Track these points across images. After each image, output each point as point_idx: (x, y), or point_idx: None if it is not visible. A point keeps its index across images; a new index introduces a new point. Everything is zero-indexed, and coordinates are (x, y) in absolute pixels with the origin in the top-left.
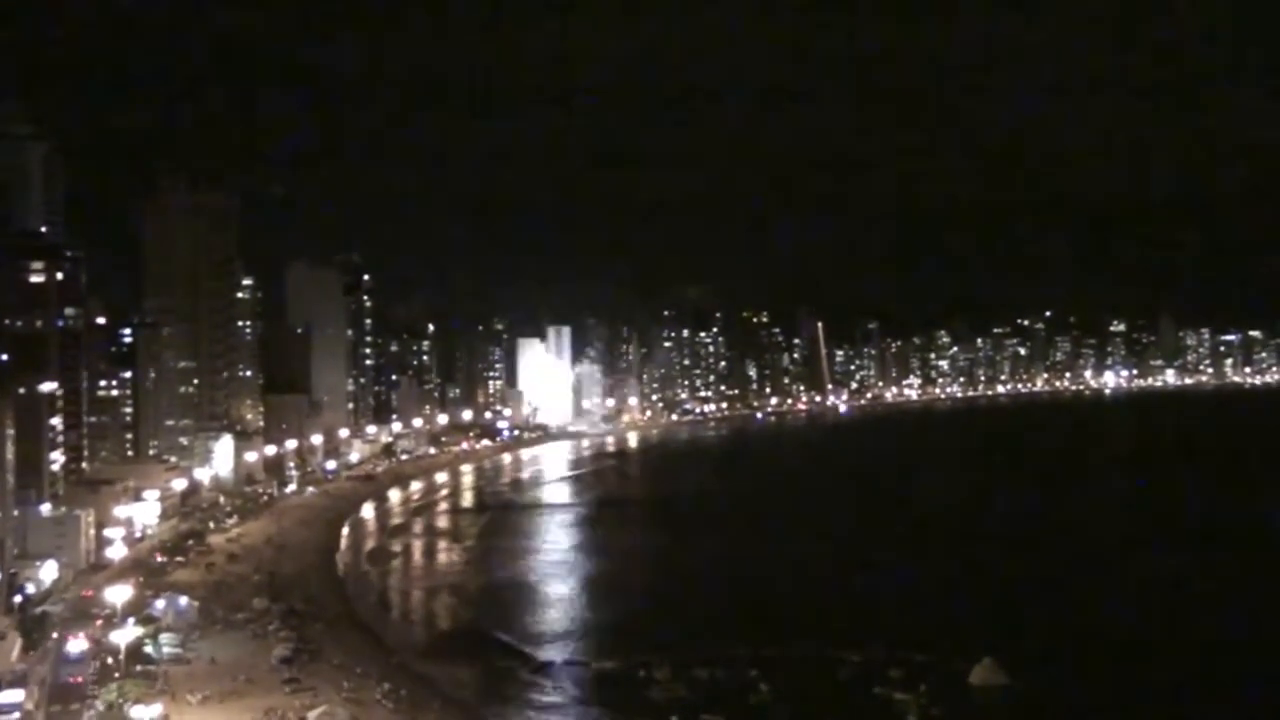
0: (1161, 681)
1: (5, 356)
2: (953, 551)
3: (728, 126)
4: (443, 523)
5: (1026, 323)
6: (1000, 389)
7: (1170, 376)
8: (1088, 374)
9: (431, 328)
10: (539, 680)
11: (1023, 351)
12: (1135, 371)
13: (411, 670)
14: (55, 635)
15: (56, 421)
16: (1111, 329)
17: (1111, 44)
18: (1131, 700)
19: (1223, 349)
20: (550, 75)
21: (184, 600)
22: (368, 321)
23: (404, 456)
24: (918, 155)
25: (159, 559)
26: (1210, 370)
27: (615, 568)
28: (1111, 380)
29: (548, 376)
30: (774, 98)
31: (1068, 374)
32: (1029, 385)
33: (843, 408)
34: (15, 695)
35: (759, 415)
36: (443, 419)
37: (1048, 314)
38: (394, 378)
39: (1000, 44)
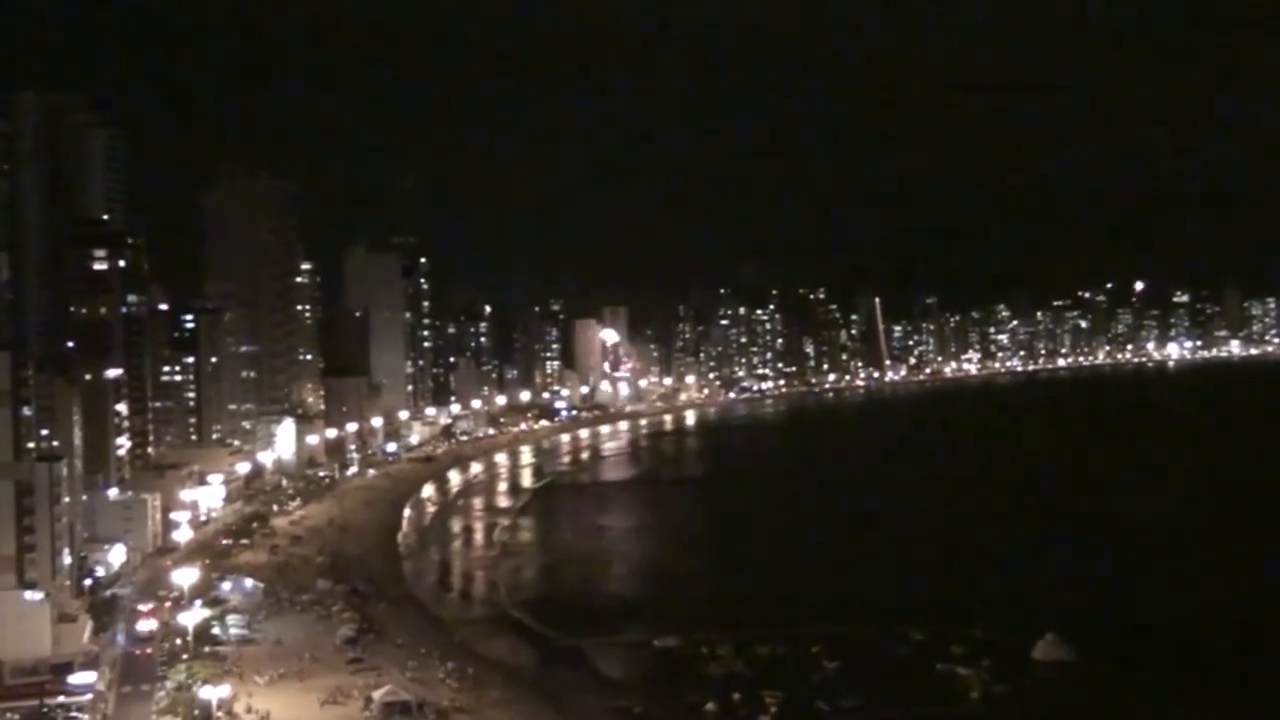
0: (1230, 660)
1: (70, 344)
2: (1014, 526)
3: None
4: (503, 503)
5: (1087, 295)
6: (1061, 362)
7: (1235, 347)
8: (1150, 346)
9: (488, 309)
10: (600, 658)
11: (1083, 324)
12: (1199, 343)
13: (474, 649)
14: (124, 617)
15: (122, 407)
16: (1175, 300)
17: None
18: (1199, 678)
19: None
20: (606, 48)
21: (249, 582)
22: (425, 304)
23: (463, 438)
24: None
25: (224, 542)
26: (1277, 340)
27: (676, 545)
28: (1175, 352)
29: (604, 356)
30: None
31: (1130, 346)
32: (1090, 358)
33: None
34: (88, 677)
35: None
36: (501, 400)
37: (1109, 285)
38: (452, 359)
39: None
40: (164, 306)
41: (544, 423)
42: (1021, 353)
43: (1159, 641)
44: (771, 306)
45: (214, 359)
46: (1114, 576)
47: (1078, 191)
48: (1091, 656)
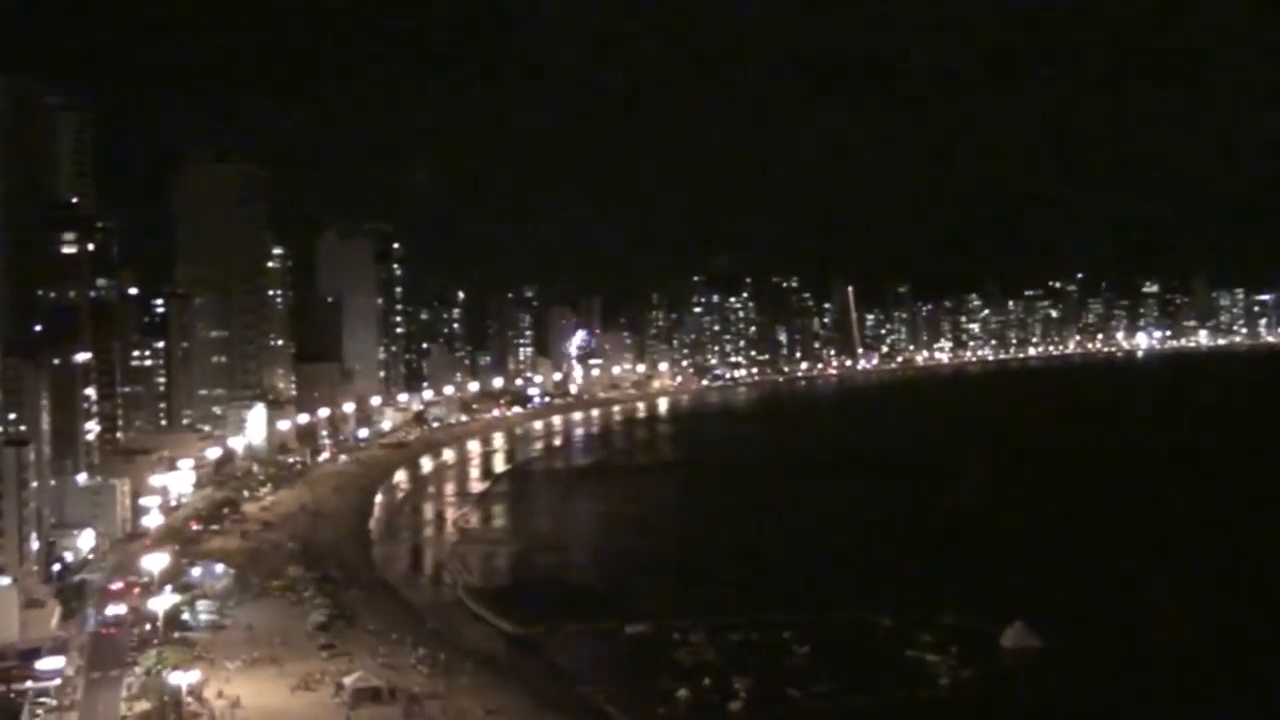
0: (1198, 648)
1: (39, 328)
2: (985, 516)
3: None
4: (476, 489)
5: (1058, 285)
6: (1032, 351)
7: (1204, 337)
8: (1120, 335)
9: (461, 295)
10: (571, 644)
11: (1054, 314)
12: (1168, 333)
13: (445, 635)
14: (93, 602)
15: (91, 392)
16: (1144, 290)
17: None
18: (1168, 666)
19: (1257, 309)
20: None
21: (220, 568)
22: (398, 290)
23: (435, 424)
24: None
25: (194, 527)
26: (1244, 331)
27: (648, 532)
28: (1144, 342)
29: (577, 344)
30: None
31: (1100, 336)
32: (1061, 348)
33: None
34: (56, 662)
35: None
36: (474, 387)
37: (1080, 276)
38: (425, 346)
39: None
40: (134, 291)
41: (517, 409)
42: (993, 342)
43: (1127, 629)
44: (745, 294)
45: (184, 344)
46: (1083, 564)
47: (1049, 179)
48: (1059, 644)
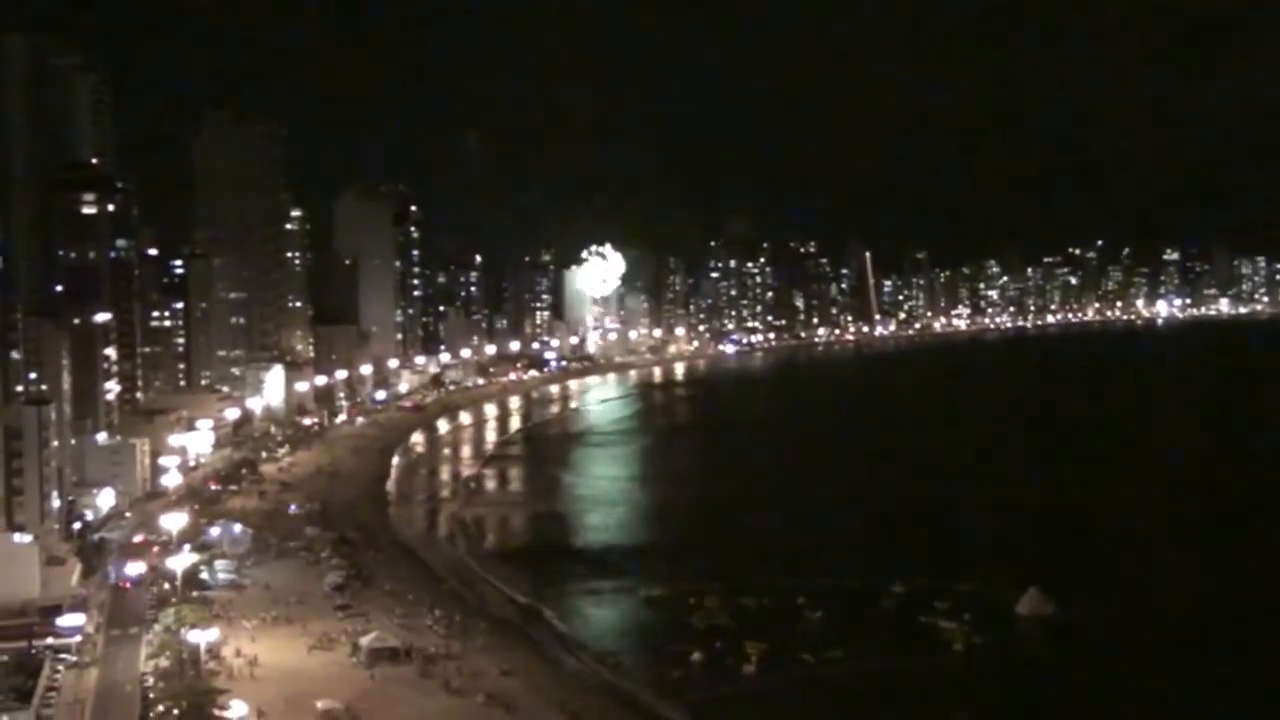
0: (1216, 619)
1: (59, 288)
2: (1001, 480)
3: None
4: (492, 452)
5: (1078, 251)
6: (1050, 319)
7: (1225, 306)
8: (1140, 303)
9: (479, 258)
10: (587, 606)
11: (1073, 281)
12: (1189, 301)
13: (461, 596)
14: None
15: (110, 352)
16: (1165, 257)
17: None
18: (1185, 635)
19: (1279, 277)
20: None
21: (238, 528)
22: (415, 252)
23: (452, 387)
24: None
25: (213, 487)
26: (1266, 299)
27: (663, 497)
28: (1164, 310)
29: (594, 308)
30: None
31: (1119, 303)
32: (1080, 315)
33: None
34: (76, 619)
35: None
36: (490, 350)
37: (1099, 242)
38: (442, 309)
39: None
40: (153, 252)
41: (533, 373)
42: (1011, 309)
43: (1144, 597)
44: (762, 259)
45: (203, 305)
46: (1101, 532)
47: (1074, 147)
48: (1075, 612)
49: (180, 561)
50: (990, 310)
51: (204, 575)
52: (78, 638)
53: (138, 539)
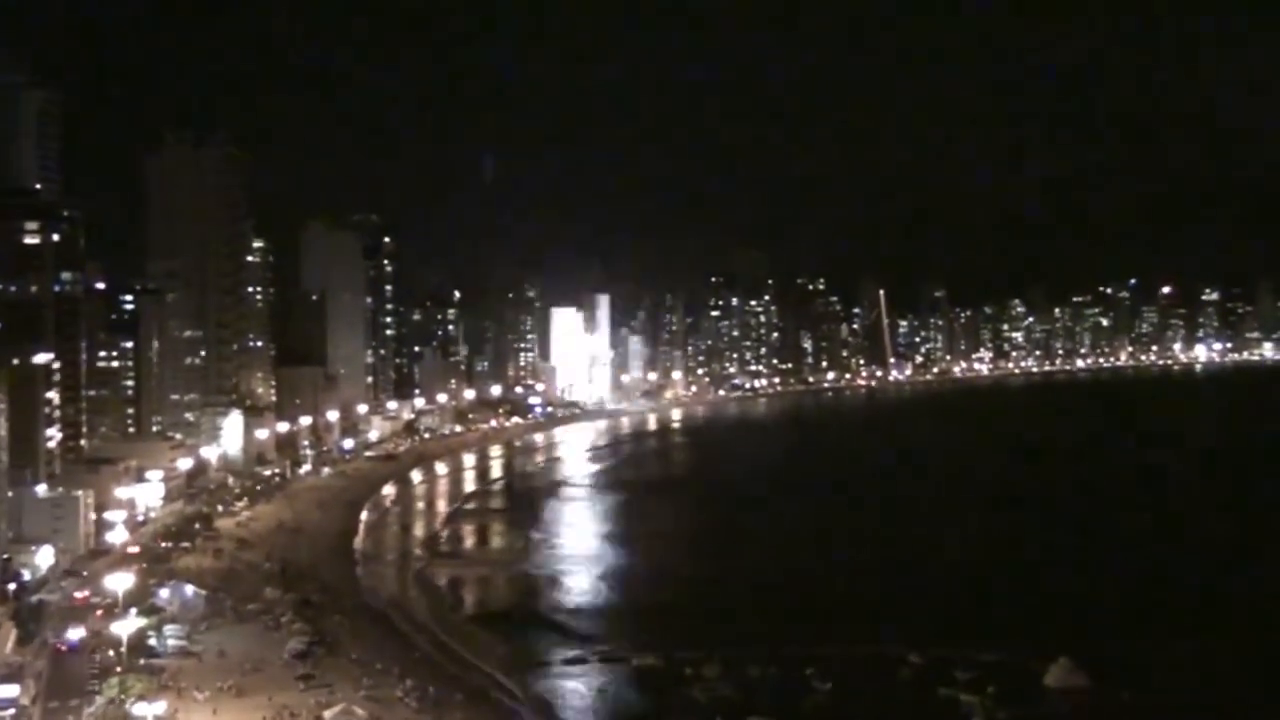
0: (1262, 692)
1: None
2: (1029, 544)
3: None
4: (470, 507)
5: (1109, 291)
6: (1080, 363)
7: (1269, 350)
8: (1177, 347)
9: (458, 295)
10: (573, 676)
11: (1105, 322)
12: (1229, 344)
13: (435, 665)
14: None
15: (53, 395)
16: (1204, 297)
17: None
18: (1228, 711)
19: None
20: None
21: (190, 589)
22: (389, 288)
23: (427, 435)
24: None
25: (163, 544)
26: None
27: (657, 558)
28: (1203, 354)
29: (584, 349)
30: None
31: (1154, 347)
32: (1111, 359)
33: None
34: (10, 690)
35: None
36: (469, 394)
37: (1133, 281)
38: (417, 349)
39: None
40: (101, 286)
41: (516, 420)
42: (1037, 352)
43: (1183, 669)
44: (767, 297)
45: (155, 344)
46: (1136, 598)
47: (1104, 182)
48: (1110, 684)
49: (126, 626)
50: (1014, 353)
51: (152, 641)
52: (11, 711)
53: (79, 596)
